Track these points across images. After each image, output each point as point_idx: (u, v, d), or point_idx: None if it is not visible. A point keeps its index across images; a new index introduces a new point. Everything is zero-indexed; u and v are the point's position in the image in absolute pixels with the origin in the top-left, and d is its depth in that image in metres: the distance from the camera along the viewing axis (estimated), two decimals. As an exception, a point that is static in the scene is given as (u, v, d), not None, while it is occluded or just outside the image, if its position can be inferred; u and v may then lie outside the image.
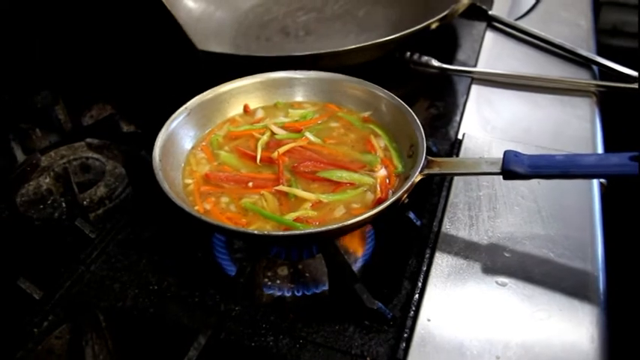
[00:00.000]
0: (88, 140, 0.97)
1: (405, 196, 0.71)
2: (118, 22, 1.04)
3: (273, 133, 0.87)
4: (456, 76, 1.19)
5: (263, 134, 0.86)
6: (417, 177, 0.72)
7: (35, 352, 0.66)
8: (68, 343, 0.68)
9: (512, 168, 0.70)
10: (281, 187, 0.76)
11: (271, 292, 0.77)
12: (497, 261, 0.73)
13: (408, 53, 1.16)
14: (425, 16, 1.10)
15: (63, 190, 0.93)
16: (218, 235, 0.81)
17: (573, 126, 0.99)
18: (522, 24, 1.27)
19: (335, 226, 0.67)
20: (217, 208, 0.75)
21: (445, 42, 1.32)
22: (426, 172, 0.74)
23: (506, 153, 0.71)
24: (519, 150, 0.73)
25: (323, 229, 0.68)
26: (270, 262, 0.81)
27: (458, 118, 1.07)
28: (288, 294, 0.77)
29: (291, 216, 0.73)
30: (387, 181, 0.78)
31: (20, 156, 0.98)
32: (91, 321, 0.68)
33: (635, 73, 1.07)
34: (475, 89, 1.12)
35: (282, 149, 0.82)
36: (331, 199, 0.75)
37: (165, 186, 0.71)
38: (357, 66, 1.00)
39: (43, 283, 0.74)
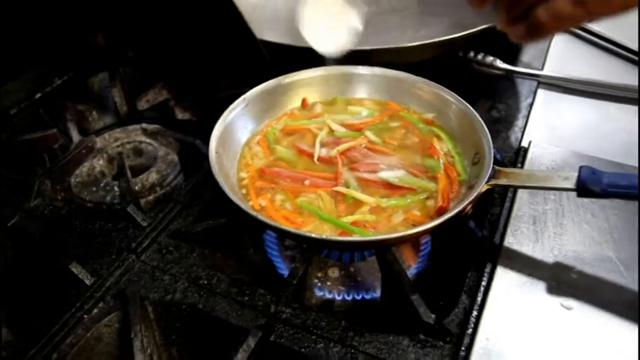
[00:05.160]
0: (144, 125, 0.96)
1: (470, 207, 0.68)
2: (178, 6, 1.03)
3: (331, 130, 0.84)
4: (519, 79, 1.13)
5: (321, 130, 0.84)
6: (483, 187, 0.68)
7: (85, 339, 0.65)
8: (117, 332, 0.68)
9: (589, 186, 0.65)
10: (339, 189, 0.74)
11: (321, 294, 0.75)
12: (564, 282, 0.69)
13: (472, 53, 1.11)
14: (489, 15, 1.04)
15: (115, 174, 0.93)
16: (272, 233, 0.79)
17: (648, 140, 0.93)
18: (595, 26, 1.20)
19: (395, 235, 0.64)
20: (273, 206, 0.73)
21: (508, 41, 1.26)
22: (492, 182, 0.70)
23: (582, 169, 0.67)
24: (589, 163, 0.68)
25: (383, 237, 0.65)
26: (321, 262, 0.78)
27: (520, 123, 1.02)
28: (338, 297, 0.75)
29: (348, 219, 0.70)
30: (450, 188, 0.75)
31: (76, 137, 0.98)
32: (140, 312, 0.67)
33: None
34: (541, 94, 1.06)
35: (340, 148, 0.79)
36: (391, 204, 0.72)
37: (221, 180, 0.69)
38: (415, 63, 0.95)
39: (94, 268, 0.74)
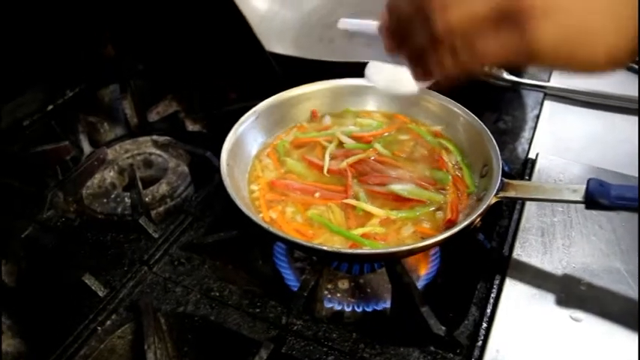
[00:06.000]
0: (154, 137, 0.97)
1: (479, 219, 0.68)
2: (188, 19, 1.04)
3: (340, 142, 0.85)
4: (525, 90, 1.14)
5: (330, 142, 0.85)
6: (492, 200, 0.69)
7: (98, 351, 0.66)
8: (130, 344, 0.68)
9: (597, 198, 0.66)
10: (349, 201, 0.74)
11: (331, 305, 0.76)
12: (572, 294, 0.69)
13: (479, 64, 1.12)
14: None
15: (126, 185, 0.94)
16: (282, 245, 0.80)
17: (655, 151, 0.93)
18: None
19: (405, 247, 0.65)
20: (284, 218, 0.74)
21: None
22: (501, 194, 0.71)
23: (590, 181, 0.67)
24: (595, 175, 0.69)
25: (392, 249, 0.66)
26: (330, 274, 0.79)
27: (527, 135, 1.02)
28: (348, 309, 0.75)
29: (358, 231, 0.71)
30: (459, 200, 0.75)
31: (87, 148, 0.99)
32: (153, 324, 0.67)
33: None
34: (548, 105, 1.07)
35: (350, 160, 0.80)
36: (400, 217, 0.73)
37: (233, 193, 0.70)
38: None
39: (107, 279, 0.74)
